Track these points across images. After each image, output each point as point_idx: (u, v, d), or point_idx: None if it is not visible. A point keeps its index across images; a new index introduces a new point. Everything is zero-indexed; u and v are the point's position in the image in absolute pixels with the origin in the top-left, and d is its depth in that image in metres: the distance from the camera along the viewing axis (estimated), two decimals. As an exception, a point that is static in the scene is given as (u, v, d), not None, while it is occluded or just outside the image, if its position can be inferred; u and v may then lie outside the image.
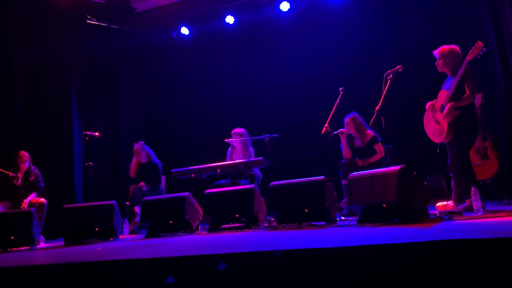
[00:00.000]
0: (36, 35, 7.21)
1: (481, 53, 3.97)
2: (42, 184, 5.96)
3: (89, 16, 8.08)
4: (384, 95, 4.37)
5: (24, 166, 5.82)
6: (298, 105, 7.83)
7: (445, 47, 4.29)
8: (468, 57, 4.02)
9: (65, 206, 5.09)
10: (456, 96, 4.09)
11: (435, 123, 4.26)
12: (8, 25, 7.08)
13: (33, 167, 5.97)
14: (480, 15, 6.33)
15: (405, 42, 7.08)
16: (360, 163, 5.35)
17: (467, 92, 4.04)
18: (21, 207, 5.57)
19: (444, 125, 4.11)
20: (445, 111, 4.09)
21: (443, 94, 4.22)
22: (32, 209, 4.85)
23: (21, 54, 7.08)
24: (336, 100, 5.31)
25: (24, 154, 5.91)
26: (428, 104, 4.35)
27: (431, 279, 1.84)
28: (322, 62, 7.72)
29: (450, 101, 4.09)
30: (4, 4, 7.00)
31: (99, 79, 8.25)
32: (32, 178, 5.88)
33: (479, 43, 3.98)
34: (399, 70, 4.45)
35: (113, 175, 8.23)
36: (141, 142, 6.63)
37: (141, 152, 6.48)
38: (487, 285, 1.76)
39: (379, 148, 5.38)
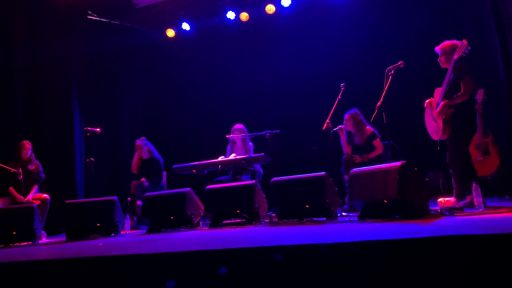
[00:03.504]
0: (37, 31, 7.18)
1: (466, 51, 4.00)
2: (43, 175, 5.97)
3: (90, 12, 8.07)
4: (386, 91, 4.36)
5: (26, 154, 5.83)
6: (299, 101, 7.82)
7: (446, 43, 4.28)
8: (455, 56, 4.04)
9: (67, 201, 5.11)
10: (449, 94, 4.10)
11: (433, 121, 4.27)
12: (9, 22, 7.06)
13: (33, 156, 5.98)
14: (481, 10, 6.31)
15: (406, 38, 7.05)
16: (358, 159, 5.35)
17: (462, 89, 4.04)
18: (24, 200, 5.59)
19: (440, 123, 4.12)
20: (438, 109, 4.11)
21: (439, 92, 4.23)
22: (34, 205, 4.87)
23: (22, 51, 7.06)
24: (338, 96, 5.31)
25: (27, 142, 5.93)
26: (426, 102, 4.36)
27: (432, 275, 1.84)
28: (323, 57, 7.70)
29: (443, 99, 4.10)
30: (5, 2, 6.98)
31: (100, 75, 8.23)
32: (34, 167, 5.90)
33: (464, 42, 4.01)
34: (401, 66, 4.44)
35: (115, 170, 8.23)
36: (143, 138, 6.64)
37: (143, 147, 6.49)
38: (488, 280, 1.76)
39: (378, 144, 5.38)
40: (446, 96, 4.11)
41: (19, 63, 7.03)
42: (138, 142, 6.55)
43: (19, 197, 5.63)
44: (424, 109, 4.44)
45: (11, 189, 5.69)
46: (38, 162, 6.00)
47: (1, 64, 6.90)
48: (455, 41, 4.24)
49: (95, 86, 8.01)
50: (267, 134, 5.74)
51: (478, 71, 5.47)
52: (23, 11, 7.16)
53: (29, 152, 5.90)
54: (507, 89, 5.77)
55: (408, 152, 5.82)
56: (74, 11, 7.58)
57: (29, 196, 5.68)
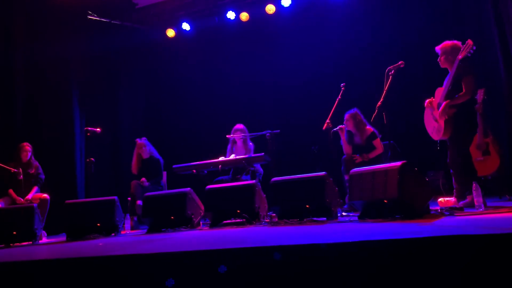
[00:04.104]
0: (37, 31, 7.18)
1: (471, 51, 4.00)
2: (43, 176, 5.96)
3: (90, 12, 8.06)
4: (386, 91, 4.36)
5: (26, 156, 5.82)
6: (299, 101, 7.82)
7: (447, 43, 4.28)
8: (459, 56, 4.04)
9: (67, 201, 5.11)
10: (451, 94, 4.10)
11: (434, 121, 4.27)
12: (9, 22, 7.06)
13: (33, 158, 5.97)
14: (481, 10, 6.31)
15: (407, 38, 7.05)
16: (358, 159, 5.34)
17: (463, 89, 4.04)
18: (24, 199, 5.58)
19: (441, 122, 4.13)
20: (440, 109, 4.11)
21: (440, 92, 4.23)
22: (34, 204, 4.87)
23: (22, 51, 7.06)
24: (338, 96, 5.31)
25: (27, 144, 5.92)
26: (426, 101, 4.36)
27: (433, 275, 1.84)
28: (323, 57, 7.70)
29: (445, 99, 4.11)
30: (5, 2, 6.99)
31: (100, 75, 8.22)
32: (33, 170, 5.88)
33: (469, 42, 4.01)
34: (401, 66, 4.43)
35: (115, 170, 8.23)
36: (144, 138, 6.64)
37: (145, 147, 6.48)
38: (488, 280, 1.76)
39: (378, 144, 5.38)
40: (448, 96, 4.11)
41: (19, 63, 7.03)
42: (140, 141, 6.55)
43: (19, 199, 5.62)
44: (424, 109, 4.44)
45: (11, 191, 5.68)
46: (37, 164, 5.98)
47: (1, 64, 6.90)
48: (455, 41, 4.24)
49: (95, 86, 8.01)
50: (267, 134, 5.74)
51: (478, 71, 5.46)
52: (23, 11, 7.16)
53: (29, 154, 5.88)
54: (507, 89, 5.77)
55: (408, 152, 5.82)
56: (74, 11, 7.59)
57: (29, 196, 5.67)
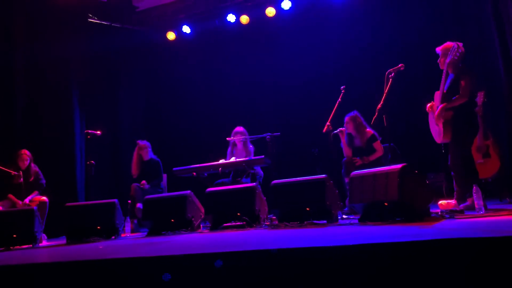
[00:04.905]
0: (38, 33, 7.18)
1: (458, 54, 4.02)
2: (44, 182, 5.94)
3: (90, 15, 8.06)
4: (386, 93, 4.36)
5: (24, 164, 5.80)
6: (299, 104, 7.82)
7: (447, 45, 4.28)
8: (447, 60, 4.06)
9: (67, 204, 5.10)
10: (448, 96, 4.10)
11: (435, 124, 4.26)
12: (9, 22, 7.06)
13: (32, 165, 5.94)
14: (482, 10, 6.32)
15: (407, 38, 7.05)
16: (359, 162, 5.34)
17: (460, 92, 4.04)
18: (22, 203, 5.57)
19: (440, 126, 4.12)
20: (436, 112, 4.11)
21: (438, 95, 4.23)
22: (34, 207, 4.87)
23: (22, 51, 7.06)
24: (338, 99, 5.31)
25: (25, 152, 5.89)
26: (428, 106, 4.35)
27: (433, 278, 1.84)
28: (323, 60, 7.70)
29: (442, 101, 4.11)
30: (6, 2, 7.00)
31: (101, 77, 8.22)
32: (32, 178, 5.84)
33: (454, 45, 4.04)
34: (401, 68, 4.43)
35: (115, 173, 8.21)
36: (145, 140, 6.64)
37: (147, 148, 6.48)
38: (488, 283, 1.76)
39: (378, 146, 5.38)
40: (444, 99, 4.11)
41: (19, 63, 7.04)
42: (142, 142, 6.54)
43: (19, 202, 5.61)
44: (425, 111, 4.44)
45: (10, 196, 5.67)
46: (37, 169, 5.94)
47: (1, 64, 6.90)
48: (455, 43, 4.24)
49: (95, 86, 8.00)
50: (268, 136, 5.74)
51: (478, 72, 5.45)
52: (23, 11, 7.17)
53: (26, 163, 5.83)
54: (507, 89, 5.78)
55: (408, 154, 5.82)
56: (74, 11, 7.58)
57: (26, 200, 5.65)
